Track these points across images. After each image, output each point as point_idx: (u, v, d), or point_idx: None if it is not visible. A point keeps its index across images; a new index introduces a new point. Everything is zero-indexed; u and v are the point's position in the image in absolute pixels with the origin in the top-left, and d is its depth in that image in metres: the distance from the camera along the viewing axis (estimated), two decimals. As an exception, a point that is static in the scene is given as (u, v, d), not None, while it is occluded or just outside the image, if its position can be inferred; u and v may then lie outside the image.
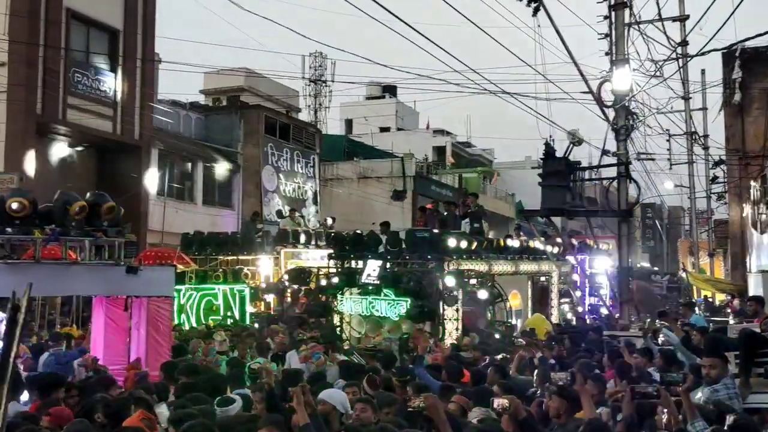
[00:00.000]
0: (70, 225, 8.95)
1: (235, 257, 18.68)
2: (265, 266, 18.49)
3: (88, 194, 9.79)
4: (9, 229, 8.66)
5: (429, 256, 14.45)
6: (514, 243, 16.95)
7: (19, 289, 1.87)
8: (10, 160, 18.54)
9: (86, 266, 9.34)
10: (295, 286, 17.62)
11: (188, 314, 16.40)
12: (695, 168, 27.40)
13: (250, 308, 16.68)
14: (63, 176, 20.52)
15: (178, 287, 15.90)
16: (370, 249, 15.45)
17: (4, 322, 9.77)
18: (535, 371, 8.20)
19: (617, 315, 16.58)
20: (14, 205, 8.67)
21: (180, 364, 8.36)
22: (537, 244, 17.99)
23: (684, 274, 26.56)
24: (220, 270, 17.26)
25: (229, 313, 16.31)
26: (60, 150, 21.04)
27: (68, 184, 20.06)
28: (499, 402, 5.08)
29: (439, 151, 45.31)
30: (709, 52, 12.61)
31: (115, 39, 22.05)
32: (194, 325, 15.80)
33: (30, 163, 18.71)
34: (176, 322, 15.09)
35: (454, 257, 14.47)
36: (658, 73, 17.03)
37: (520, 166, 46.90)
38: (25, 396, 7.16)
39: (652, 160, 24.59)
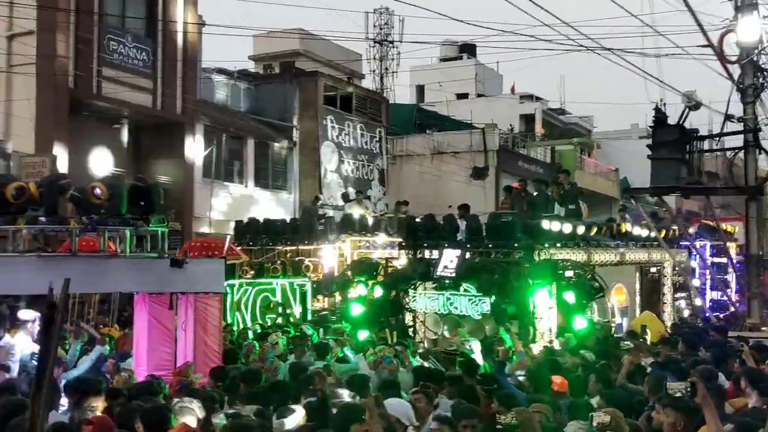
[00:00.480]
0: (109, 213, 9.26)
1: (294, 247, 18.94)
2: (327, 257, 18.68)
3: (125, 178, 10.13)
4: (42, 219, 9.04)
5: (516, 244, 14.35)
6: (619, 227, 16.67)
7: (55, 285, 1.96)
8: (40, 140, 19.20)
9: (127, 259, 9.66)
10: (361, 280, 17.78)
11: (243, 312, 16.76)
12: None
13: (311, 305, 16.97)
14: (98, 158, 21.23)
15: (230, 282, 16.34)
16: (447, 236, 15.44)
17: (37, 323, 10.27)
18: (645, 379, 8.07)
19: (745, 312, 16.12)
20: (97, 191, 9.03)
21: (232, 370, 8.58)
22: (646, 228, 17.64)
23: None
24: (278, 262, 17.56)
25: (288, 311, 16.61)
26: (94, 128, 21.68)
27: (104, 167, 20.83)
28: (600, 420, 5.02)
29: (527, 120, 44.73)
30: None
31: (153, 1, 22.56)
32: (249, 324, 16.12)
33: (62, 144, 19.36)
34: (228, 321, 15.50)
35: (546, 245, 14.33)
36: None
37: (625, 136, 45.87)
38: (63, 401, 7.51)
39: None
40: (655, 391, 6.86)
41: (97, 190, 9.03)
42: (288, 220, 21.28)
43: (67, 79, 19.83)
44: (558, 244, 14.62)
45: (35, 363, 9.51)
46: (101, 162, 21.39)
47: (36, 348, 9.78)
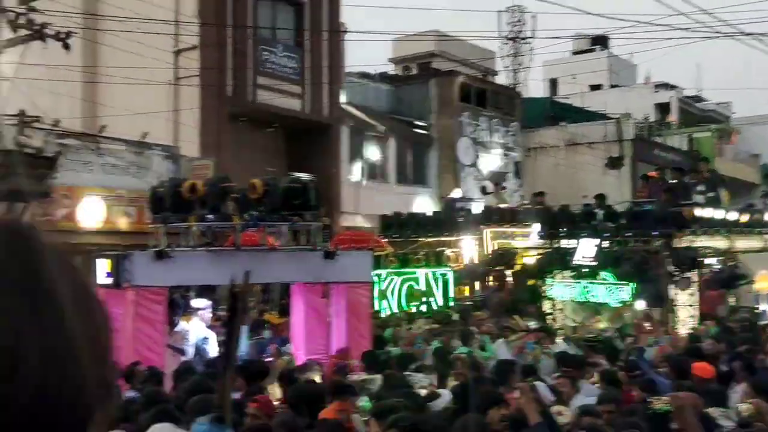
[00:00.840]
0: (267, 210, 9.61)
1: (436, 239, 19.04)
2: (468, 247, 18.66)
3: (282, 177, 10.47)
4: (210, 217, 9.50)
5: (655, 232, 13.88)
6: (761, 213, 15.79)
7: (237, 277, 2.07)
8: (204, 145, 20.13)
9: (284, 252, 10.02)
10: (500, 269, 17.68)
11: (389, 300, 17.04)
12: None
13: (453, 293, 17.00)
14: (254, 159, 22.04)
15: (377, 272, 16.66)
16: (584, 226, 15.13)
17: (208, 311, 10.80)
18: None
19: None
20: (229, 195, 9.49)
21: (382, 354, 8.74)
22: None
23: None
24: (421, 253, 17.72)
25: (431, 299, 16.74)
26: (251, 133, 22.53)
27: (260, 168, 21.60)
28: (745, 408, 4.75)
29: (663, 108, 42.96)
30: None
31: (300, 12, 23.21)
32: (396, 311, 16.37)
33: (225, 148, 20.23)
34: (377, 308, 15.80)
35: (687, 232, 13.78)
36: None
37: (766, 121, 43.21)
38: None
39: None
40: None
41: (255, 185, 9.39)
42: (430, 214, 21.38)
43: (226, 89, 20.70)
44: (698, 231, 14.05)
45: (206, 347, 10.04)
46: (258, 163, 22.19)
47: (207, 333, 10.29)
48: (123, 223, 18.66)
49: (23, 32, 14.06)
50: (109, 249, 10.74)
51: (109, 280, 9.27)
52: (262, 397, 6.22)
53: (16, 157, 13.65)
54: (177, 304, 11.10)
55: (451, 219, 19.53)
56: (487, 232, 19.10)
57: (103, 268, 9.54)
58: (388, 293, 17.03)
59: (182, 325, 10.55)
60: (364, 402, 6.55)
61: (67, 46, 14.22)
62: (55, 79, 15.74)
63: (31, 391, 0.50)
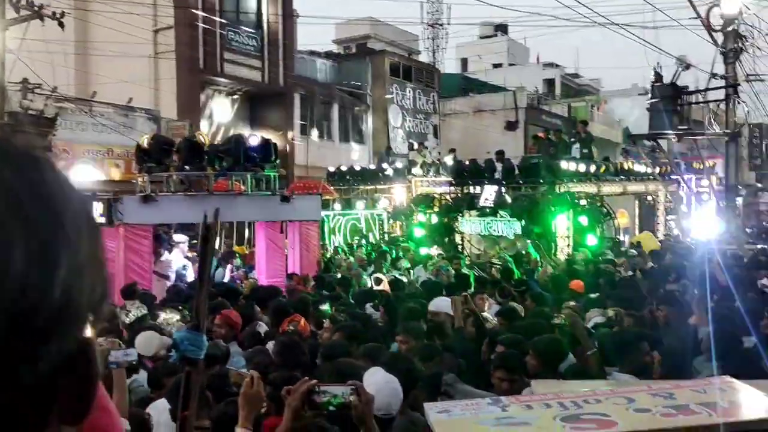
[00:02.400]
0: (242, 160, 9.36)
1: (373, 187, 19.00)
2: (398, 193, 18.66)
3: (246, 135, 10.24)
4: (186, 167, 9.26)
5: (541, 180, 14.12)
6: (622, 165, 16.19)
7: (208, 214, 2.02)
8: (181, 109, 19.61)
9: (249, 197, 9.87)
10: (422, 210, 17.78)
11: (336, 236, 17.15)
12: (807, 86, 24.68)
13: (387, 230, 17.12)
14: (223, 121, 21.53)
15: (326, 213, 16.65)
16: (487, 176, 15.29)
17: (187, 244, 10.61)
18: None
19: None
20: (202, 148, 9.22)
21: (328, 277, 8.75)
22: (644, 165, 17.10)
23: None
24: (362, 198, 17.71)
25: (370, 234, 16.83)
26: (219, 99, 22.00)
27: (227, 128, 21.15)
28: (612, 312, 4.97)
29: (549, 83, 43.35)
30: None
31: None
32: (341, 244, 16.47)
33: (197, 111, 19.73)
34: (329, 243, 15.86)
35: (565, 180, 14.06)
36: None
37: (627, 94, 44.11)
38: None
39: (761, 81, 22.37)
40: (654, 291, 6.73)
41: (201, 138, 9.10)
42: (368, 167, 21.26)
43: (199, 62, 20.08)
44: (574, 180, 14.35)
45: (185, 273, 9.89)
46: (227, 124, 21.70)
47: (186, 262, 10.13)
48: (114, 173, 18.17)
49: (24, 12, 13.66)
50: (103, 195, 10.37)
51: (103, 220, 9.01)
52: (225, 311, 5.87)
53: (22, 117, 13.39)
54: (161, 239, 10.83)
55: (384, 171, 19.46)
56: (413, 181, 19.13)
57: (98, 210, 9.27)
58: (336, 230, 17.12)
59: (166, 255, 10.40)
60: (326, 307, 6.55)
61: (62, 24, 13.83)
62: (52, 52, 15.06)
63: (16, 288, 0.44)
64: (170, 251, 10.47)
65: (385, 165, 19.83)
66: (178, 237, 10.84)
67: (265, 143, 9.71)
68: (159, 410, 3.48)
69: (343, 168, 20.29)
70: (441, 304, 6.01)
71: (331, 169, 20.42)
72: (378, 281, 7.02)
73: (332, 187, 18.32)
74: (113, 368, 2.69)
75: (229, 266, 11.28)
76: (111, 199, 9.15)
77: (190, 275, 9.65)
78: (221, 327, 5.23)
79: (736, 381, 1.97)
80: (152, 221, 9.25)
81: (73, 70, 18.91)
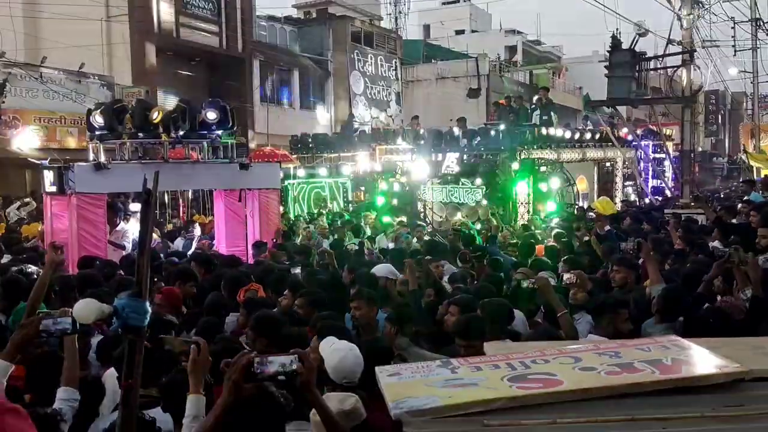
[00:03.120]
0: (192, 128, 9.14)
1: (336, 154, 18.76)
2: (362, 161, 18.47)
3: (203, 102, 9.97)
4: (141, 134, 9.00)
5: (502, 147, 14.17)
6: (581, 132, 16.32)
7: (149, 180, 1.95)
8: (136, 75, 19.05)
9: (206, 164, 9.66)
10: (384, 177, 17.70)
11: (300, 204, 17.01)
12: (759, 54, 25.27)
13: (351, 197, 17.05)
14: (181, 87, 20.99)
15: (290, 182, 16.46)
16: (449, 143, 15.27)
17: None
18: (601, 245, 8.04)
19: (678, 194, 15.97)
20: (154, 114, 8.93)
21: (288, 245, 8.68)
22: (603, 132, 17.30)
23: (744, 156, 25.06)
24: (325, 165, 17.56)
25: (334, 202, 16.71)
26: (177, 65, 21.40)
27: (184, 94, 20.64)
28: (567, 277, 5.01)
29: (511, 50, 43.34)
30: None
31: (216, -39, 21.78)
32: (305, 213, 16.35)
33: (155, 78, 19.18)
34: (291, 211, 15.70)
35: (526, 147, 14.14)
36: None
37: (588, 61, 44.38)
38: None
39: (717, 47, 22.76)
40: (610, 254, 6.81)
41: (155, 114, 8.84)
42: (330, 134, 21.01)
43: (154, 26, 19.46)
44: (535, 146, 14.43)
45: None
46: (184, 91, 21.14)
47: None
48: (70, 141, 17.67)
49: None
50: (54, 163, 10.04)
51: (54, 188, 8.75)
52: (166, 288, 5.63)
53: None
54: (118, 209, 10.58)
55: (348, 138, 19.20)
56: (377, 148, 18.91)
57: (48, 178, 8.99)
58: (300, 198, 17.01)
59: (122, 225, 10.18)
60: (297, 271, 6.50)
61: (7, -15, 13.00)
62: (-3, 15, 14.39)
63: None
64: (127, 221, 10.23)
65: (348, 132, 19.60)
66: (134, 206, 10.59)
67: (222, 109, 9.47)
68: (111, 377, 3.43)
69: (308, 135, 20.00)
70: (382, 269, 6.03)
71: (296, 135, 20.14)
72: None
73: (295, 155, 18.08)
74: (44, 337, 2.64)
75: (196, 235, 11.14)
76: (62, 167, 8.86)
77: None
78: (162, 306, 5.04)
79: (682, 339, 1.99)
80: (105, 190, 8.99)
81: (21, 34, 18.14)
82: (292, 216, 15.47)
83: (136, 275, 1.97)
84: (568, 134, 15.76)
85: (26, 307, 3.95)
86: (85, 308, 2.22)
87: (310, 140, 19.34)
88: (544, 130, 14.74)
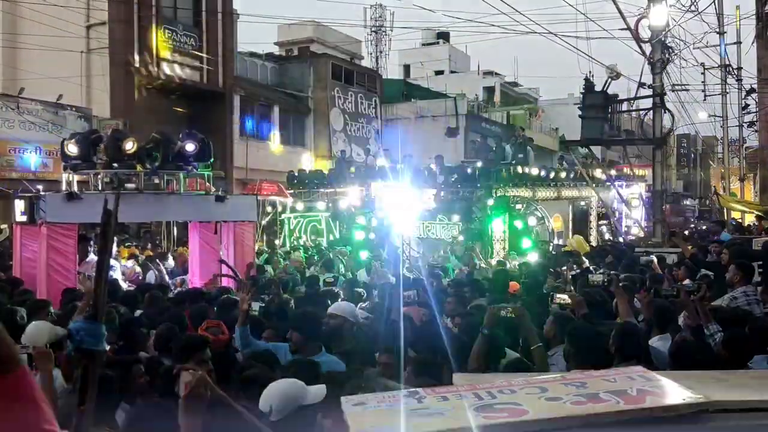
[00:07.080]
0: (167, 160, 9.10)
1: (332, 189, 18.55)
2: (353, 196, 18.24)
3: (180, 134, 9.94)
4: (115, 164, 8.92)
5: (479, 185, 14.30)
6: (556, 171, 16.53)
7: (110, 203, 1.91)
8: (114, 107, 18.99)
9: (181, 196, 9.58)
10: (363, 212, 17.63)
11: (298, 237, 17.26)
12: (728, 98, 26.04)
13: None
14: (160, 120, 20.92)
15: (287, 215, 17.30)
16: (427, 179, 15.36)
17: (113, 245, 10.21)
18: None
19: (650, 233, 16.16)
20: (128, 145, 8.87)
21: (261, 279, 8.59)
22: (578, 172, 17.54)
23: (715, 197, 25.57)
24: (322, 200, 17.62)
25: (330, 236, 16.78)
26: (156, 98, 21.36)
27: (163, 128, 20.59)
28: (561, 297, 5.10)
29: (489, 91, 44.16)
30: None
31: (198, -3, 21.98)
32: (303, 244, 16.40)
33: (134, 111, 19.12)
34: (287, 243, 16.40)
35: (501, 185, 14.28)
36: (693, 8, 15.99)
37: (563, 103, 45.34)
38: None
39: (687, 90, 23.41)
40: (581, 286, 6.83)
41: (128, 144, 8.79)
42: (326, 171, 20.65)
43: (134, 59, 19.48)
44: (510, 184, 14.57)
45: (112, 273, 9.52)
46: (164, 124, 21.05)
47: (114, 263, 9.75)
48: (44, 173, 17.49)
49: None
50: (26, 193, 9.89)
51: (24, 218, 8.59)
52: None
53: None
54: (87, 239, 10.39)
55: (342, 175, 18.89)
56: (371, 183, 18.54)
57: (19, 207, 8.82)
58: (296, 231, 17.13)
59: (92, 256, 9.99)
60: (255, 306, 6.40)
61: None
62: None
63: None
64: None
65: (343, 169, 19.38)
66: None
67: (201, 141, 9.44)
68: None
69: (304, 171, 20.02)
70: (345, 307, 5.87)
71: (292, 171, 20.03)
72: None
73: (290, 191, 18.24)
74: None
75: (170, 267, 10.96)
76: (33, 197, 8.72)
77: (118, 276, 9.30)
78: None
79: (649, 371, 1.99)
80: (77, 220, 8.85)
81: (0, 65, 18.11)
82: (287, 247, 15.61)
83: (94, 299, 1.91)
84: (543, 172, 15.95)
85: None
86: (38, 331, 2.14)
87: (306, 176, 19.21)
88: (519, 169, 14.91)
